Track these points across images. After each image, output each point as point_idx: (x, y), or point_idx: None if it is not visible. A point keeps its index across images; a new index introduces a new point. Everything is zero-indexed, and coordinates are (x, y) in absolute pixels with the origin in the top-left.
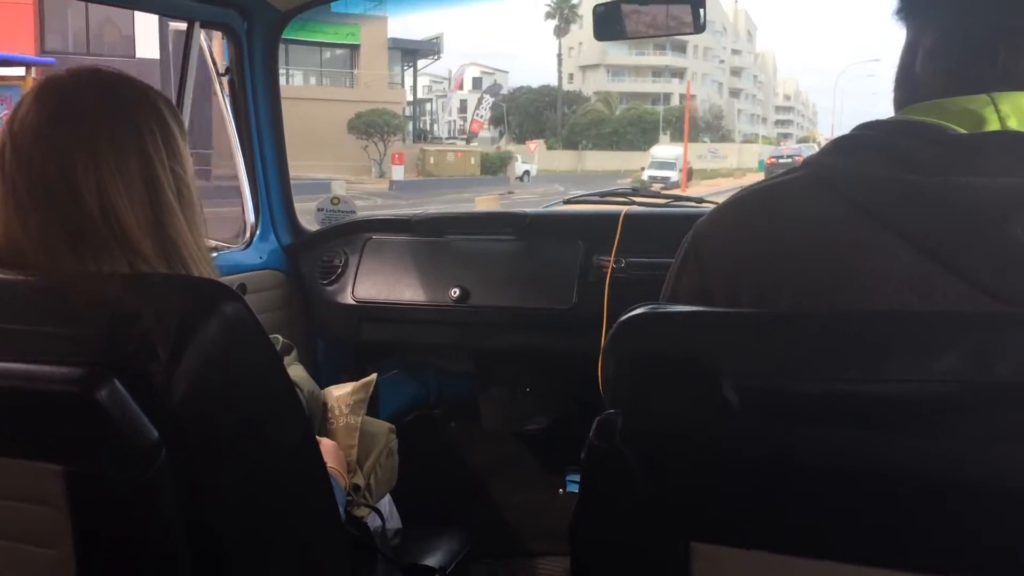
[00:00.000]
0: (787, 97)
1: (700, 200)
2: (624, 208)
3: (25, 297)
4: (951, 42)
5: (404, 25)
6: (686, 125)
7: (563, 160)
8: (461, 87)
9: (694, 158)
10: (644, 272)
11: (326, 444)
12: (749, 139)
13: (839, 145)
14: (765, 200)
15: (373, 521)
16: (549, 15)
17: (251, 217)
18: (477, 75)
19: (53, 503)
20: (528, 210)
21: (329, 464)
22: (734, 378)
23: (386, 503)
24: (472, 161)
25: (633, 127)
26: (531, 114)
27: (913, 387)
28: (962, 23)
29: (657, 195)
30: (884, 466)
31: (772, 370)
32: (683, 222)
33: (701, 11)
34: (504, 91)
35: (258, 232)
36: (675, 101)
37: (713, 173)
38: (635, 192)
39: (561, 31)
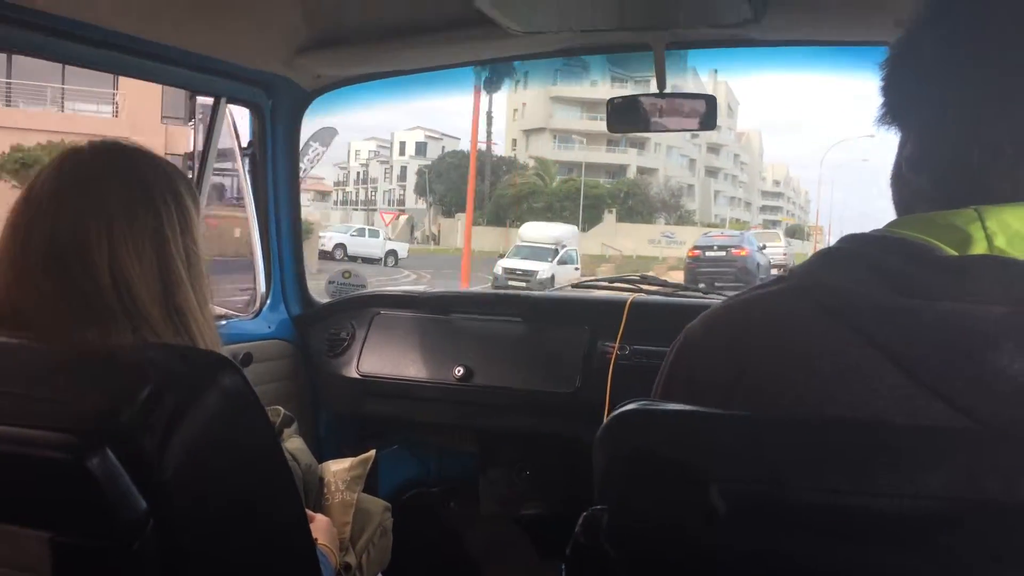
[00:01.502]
0: (776, 183)
1: (706, 292)
2: (631, 296)
3: (25, 362)
4: (929, 149)
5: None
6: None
7: (488, 238)
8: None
9: (644, 243)
10: (648, 360)
11: (320, 520)
12: (715, 224)
13: (825, 258)
14: (752, 312)
15: None
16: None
17: (262, 287)
18: (422, 139)
19: (37, 570)
20: (535, 293)
21: (321, 541)
22: (723, 482)
23: None
24: (236, 233)
25: (571, 202)
26: (455, 183)
27: (905, 503)
28: (936, 131)
29: (664, 283)
30: None
31: (761, 476)
32: (688, 313)
33: (713, 109)
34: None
35: (268, 302)
36: (631, 174)
37: (661, 262)
38: (643, 280)
39: (492, 84)
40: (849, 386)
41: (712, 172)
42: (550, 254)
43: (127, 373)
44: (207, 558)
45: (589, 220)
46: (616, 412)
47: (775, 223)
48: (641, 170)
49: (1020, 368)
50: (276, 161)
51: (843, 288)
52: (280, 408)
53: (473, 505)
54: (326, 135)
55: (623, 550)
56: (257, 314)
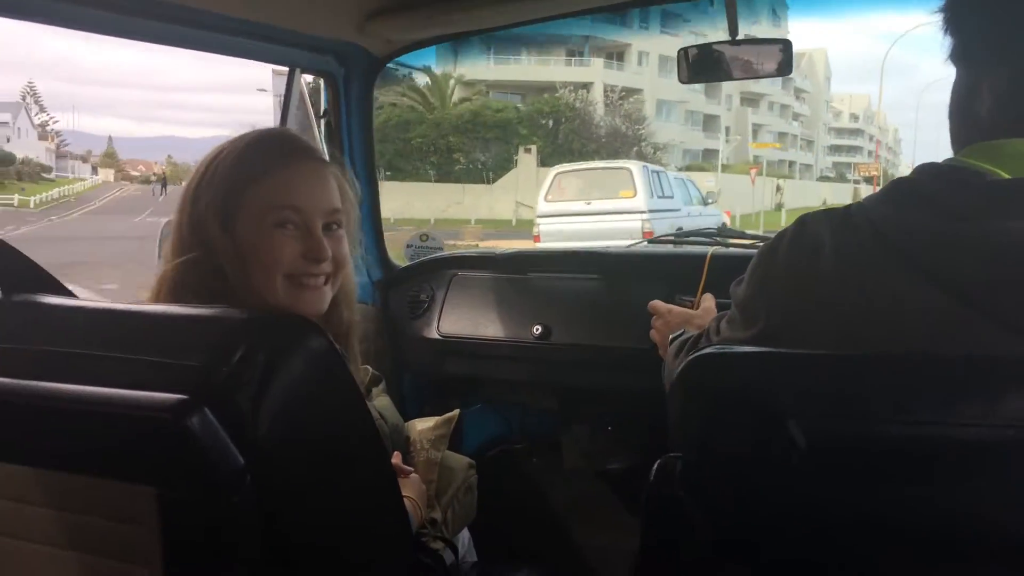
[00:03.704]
0: (854, 117)
1: None
2: (711, 248)
3: (132, 327)
4: (1015, 85)
5: None
6: None
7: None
8: None
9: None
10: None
11: (413, 477)
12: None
13: (892, 191)
14: (820, 245)
15: (448, 556)
16: None
17: None
18: None
19: (145, 522)
20: (612, 249)
21: (411, 496)
22: (803, 419)
23: (464, 538)
24: None
25: (466, 137)
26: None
27: (985, 431)
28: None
29: (743, 235)
30: (953, 525)
31: (843, 411)
32: None
33: (790, 53)
34: None
35: None
36: (596, 94)
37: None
38: (721, 232)
39: None
40: (891, 311)
41: (751, 100)
42: None
43: (222, 335)
44: (301, 509)
45: (496, 166)
46: (692, 356)
47: (850, 167)
48: (610, 90)
49: None
50: (351, 128)
51: (896, 220)
52: (369, 367)
53: (556, 460)
54: None
55: (698, 496)
56: None
